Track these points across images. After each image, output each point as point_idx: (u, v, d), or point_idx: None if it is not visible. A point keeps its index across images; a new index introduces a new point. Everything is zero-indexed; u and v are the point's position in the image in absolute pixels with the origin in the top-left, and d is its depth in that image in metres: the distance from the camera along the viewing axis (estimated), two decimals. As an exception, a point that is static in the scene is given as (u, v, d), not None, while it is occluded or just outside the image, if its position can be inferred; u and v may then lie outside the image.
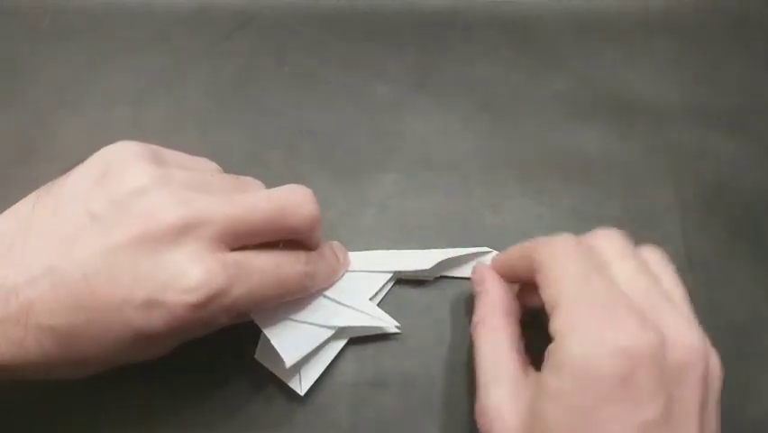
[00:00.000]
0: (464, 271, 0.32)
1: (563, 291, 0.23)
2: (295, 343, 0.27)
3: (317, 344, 0.28)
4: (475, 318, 0.27)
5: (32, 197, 0.24)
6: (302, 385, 0.28)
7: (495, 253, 0.32)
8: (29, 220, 0.23)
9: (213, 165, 0.28)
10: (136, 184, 0.22)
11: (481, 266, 0.29)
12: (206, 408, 0.28)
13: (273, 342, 0.27)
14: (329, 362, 0.29)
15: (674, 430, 0.20)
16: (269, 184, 0.34)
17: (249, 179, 0.28)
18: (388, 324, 0.30)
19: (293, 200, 0.25)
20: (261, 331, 0.29)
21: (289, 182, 0.34)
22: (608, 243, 0.25)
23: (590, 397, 0.20)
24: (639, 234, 0.34)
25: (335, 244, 0.30)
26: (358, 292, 0.30)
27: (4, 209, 0.34)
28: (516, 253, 0.28)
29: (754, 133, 0.38)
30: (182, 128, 0.37)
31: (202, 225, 0.22)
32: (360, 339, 0.30)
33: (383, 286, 0.31)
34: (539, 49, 0.41)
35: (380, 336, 0.30)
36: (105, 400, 0.28)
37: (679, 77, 0.40)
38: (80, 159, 0.35)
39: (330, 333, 0.29)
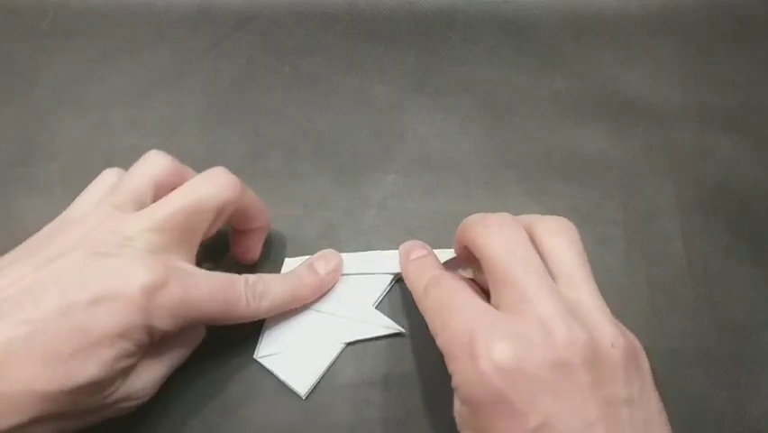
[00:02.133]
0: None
1: (496, 273, 0.24)
2: (305, 371, 0.28)
3: (328, 364, 0.29)
4: (429, 277, 0.26)
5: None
6: (303, 386, 0.28)
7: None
8: None
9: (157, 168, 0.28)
10: (77, 215, 0.25)
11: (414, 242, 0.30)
12: (206, 408, 0.28)
13: (284, 377, 0.28)
14: (330, 362, 0.29)
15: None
16: (269, 184, 0.34)
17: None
18: (393, 329, 0.30)
19: (207, 183, 0.26)
20: (261, 330, 0.29)
21: (289, 182, 0.35)
22: None
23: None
24: (639, 234, 0.34)
25: (326, 253, 0.31)
26: (360, 301, 0.30)
27: (5, 209, 0.34)
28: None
29: (754, 133, 0.38)
30: (182, 128, 0.37)
31: (135, 238, 0.24)
32: (360, 340, 0.30)
33: (384, 288, 0.31)
34: (539, 49, 0.41)
35: (380, 336, 0.30)
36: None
37: (679, 77, 0.40)
38: (80, 159, 0.36)
39: (338, 349, 0.29)
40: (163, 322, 0.23)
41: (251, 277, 0.27)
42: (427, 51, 0.40)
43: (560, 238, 0.25)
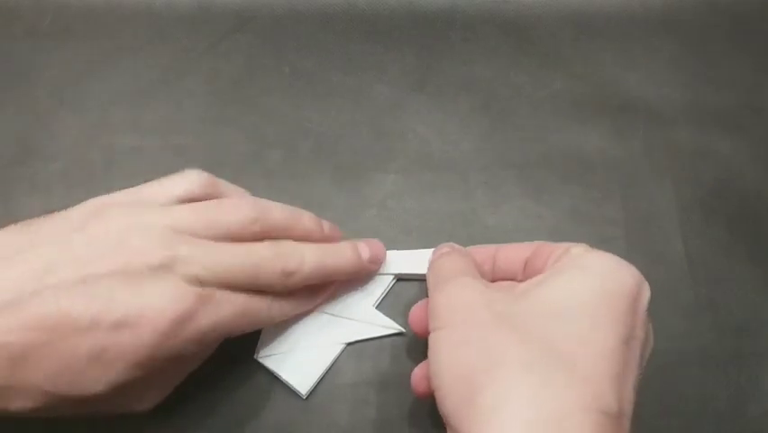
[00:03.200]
0: None
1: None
2: (306, 371, 0.29)
3: (328, 364, 0.29)
4: (439, 249, 0.28)
5: (9, 228, 0.24)
6: (304, 386, 0.28)
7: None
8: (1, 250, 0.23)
9: (194, 182, 0.26)
10: (114, 232, 0.23)
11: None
12: (206, 408, 0.28)
13: (284, 377, 0.28)
14: (330, 362, 0.29)
15: None
16: (269, 184, 0.34)
17: (229, 205, 0.27)
18: (394, 329, 0.30)
19: (267, 258, 0.25)
20: (261, 330, 0.29)
21: (289, 182, 0.35)
22: None
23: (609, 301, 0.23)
24: (639, 233, 0.34)
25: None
26: (361, 302, 0.30)
27: (5, 209, 0.34)
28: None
29: (754, 133, 0.38)
30: (182, 128, 0.37)
31: (175, 265, 0.23)
32: (360, 340, 0.30)
33: (385, 288, 0.31)
34: (539, 49, 0.41)
35: (380, 336, 0.30)
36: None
37: (679, 77, 0.40)
38: (80, 159, 0.36)
39: (339, 349, 0.29)
40: (186, 350, 0.23)
41: (268, 300, 0.26)
42: (427, 51, 0.40)
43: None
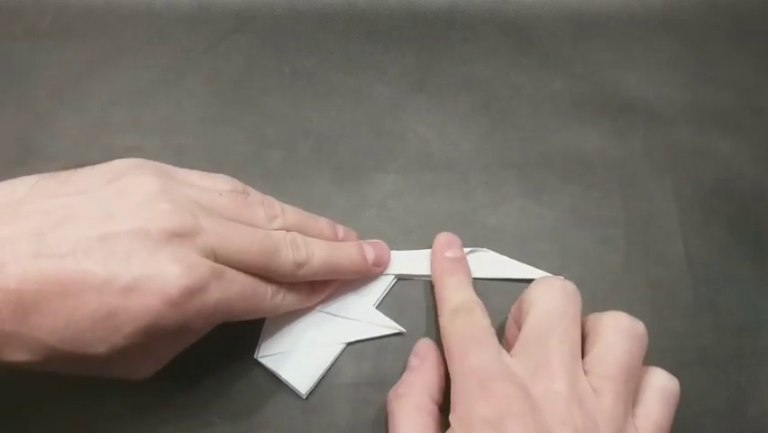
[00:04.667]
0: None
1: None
2: (306, 371, 0.29)
3: (328, 363, 0.29)
4: (401, 389, 0.27)
5: (32, 177, 0.24)
6: (304, 386, 0.28)
7: (491, 252, 0.32)
8: (24, 195, 0.23)
9: (228, 184, 0.28)
10: (145, 192, 0.23)
11: (427, 343, 0.29)
12: (206, 408, 0.28)
13: (284, 376, 0.28)
14: (331, 362, 0.29)
15: None
16: (269, 184, 0.34)
17: (258, 198, 0.28)
18: (393, 329, 0.30)
19: (282, 245, 0.26)
20: (262, 330, 0.29)
21: (289, 182, 0.35)
22: None
23: None
24: (639, 234, 0.34)
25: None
26: (361, 302, 0.30)
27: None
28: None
29: (754, 133, 0.38)
30: (182, 128, 0.37)
31: (196, 235, 0.23)
32: (360, 340, 0.30)
33: (385, 288, 0.31)
34: (539, 49, 0.41)
35: (380, 336, 0.30)
36: (104, 401, 0.28)
37: (679, 77, 0.40)
38: (80, 159, 0.35)
39: (339, 349, 0.29)
40: (190, 322, 0.23)
41: (274, 287, 0.26)
42: (427, 51, 0.40)
43: (618, 336, 0.24)
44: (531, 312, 0.25)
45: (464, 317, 0.26)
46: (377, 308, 0.31)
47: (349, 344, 0.30)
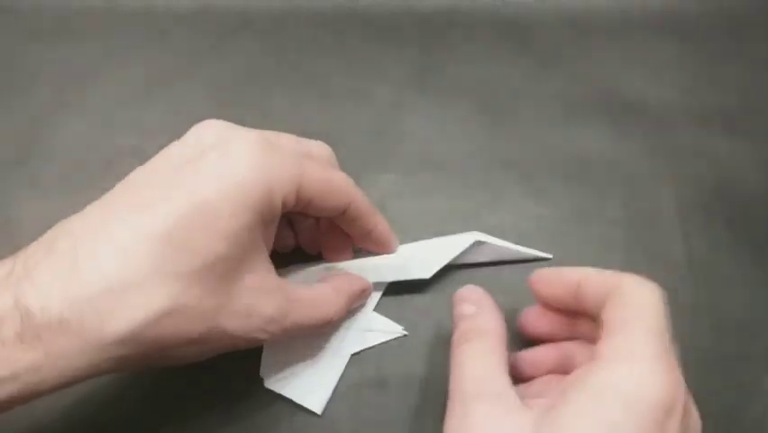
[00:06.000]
0: (458, 256, 0.31)
1: (637, 319, 0.22)
2: (316, 390, 0.28)
3: (337, 377, 0.29)
4: (470, 334, 0.25)
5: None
6: (318, 405, 0.28)
7: (484, 237, 0.31)
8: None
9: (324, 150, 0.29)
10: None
11: (473, 288, 0.27)
12: (205, 407, 0.28)
13: (297, 400, 0.28)
14: (339, 375, 0.29)
15: None
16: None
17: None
18: (397, 333, 0.30)
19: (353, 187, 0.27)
20: (262, 355, 0.28)
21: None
22: None
23: (631, 425, 0.20)
24: (639, 234, 0.34)
25: (351, 277, 0.29)
26: (361, 310, 0.30)
27: (5, 209, 0.34)
28: (581, 273, 0.26)
29: (754, 134, 0.38)
30: (182, 128, 0.36)
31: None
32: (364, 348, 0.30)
33: (382, 290, 0.31)
34: (539, 49, 0.41)
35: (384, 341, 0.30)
36: (105, 403, 0.28)
37: (679, 77, 0.40)
38: (80, 159, 0.35)
39: (345, 360, 0.29)
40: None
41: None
42: (427, 51, 0.40)
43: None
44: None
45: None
46: (376, 309, 0.31)
47: (354, 354, 0.30)
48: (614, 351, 0.22)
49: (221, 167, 0.22)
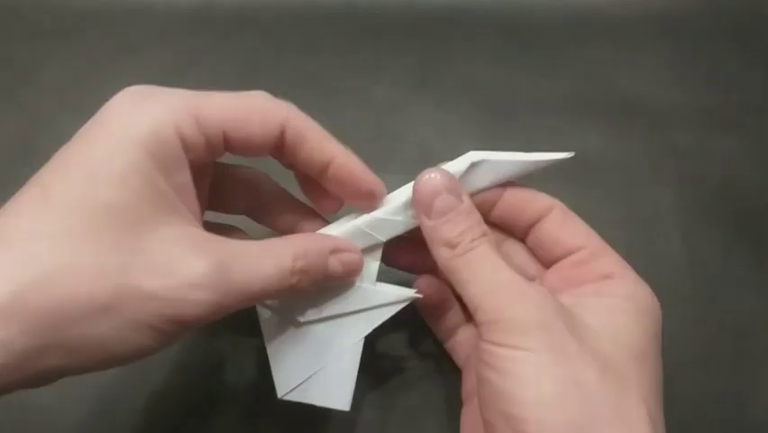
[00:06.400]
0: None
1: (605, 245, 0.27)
2: (339, 387, 0.25)
3: (356, 367, 0.26)
4: (460, 238, 0.23)
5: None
6: (344, 403, 0.26)
7: (482, 154, 0.26)
8: None
9: None
10: None
11: (439, 169, 0.25)
12: (205, 408, 0.28)
13: (322, 404, 0.25)
14: (358, 363, 0.26)
15: None
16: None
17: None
18: (408, 298, 0.25)
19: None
20: (271, 368, 0.26)
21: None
22: None
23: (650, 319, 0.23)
24: (639, 234, 0.34)
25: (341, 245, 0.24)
26: (360, 289, 0.25)
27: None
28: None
29: (754, 133, 0.38)
30: (182, 128, 0.37)
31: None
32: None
33: (378, 259, 0.26)
34: (539, 49, 0.41)
35: (380, 336, 0.30)
36: (106, 405, 0.28)
37: (679, 77, 0.40)
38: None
39: (360, 346, 0.26)
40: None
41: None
42: (428, 51, 0.40)
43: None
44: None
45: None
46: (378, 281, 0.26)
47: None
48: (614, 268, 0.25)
49: (96, 117, 0.21)
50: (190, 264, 0.19)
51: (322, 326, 0.26)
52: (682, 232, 0.34)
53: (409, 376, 0.29)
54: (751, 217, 0.34)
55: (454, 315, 0.28)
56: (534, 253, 0.27)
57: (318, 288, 0.24)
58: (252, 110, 0.23)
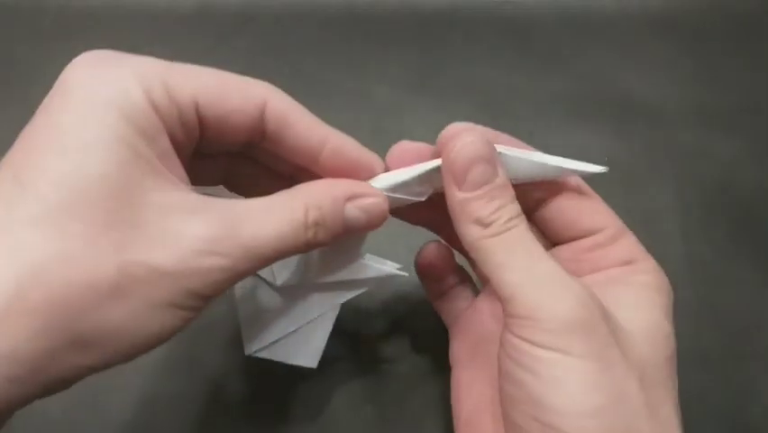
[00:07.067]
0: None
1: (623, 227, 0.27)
2: (309, 347, 0.25)
3: (328, 329, 0.25)
4: (497, 214, 0.20)
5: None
6: (312, 361, 0.25)
7: (501, 148, 0.24)
8: None
9: None
10: None
11: (473, 130, 0.22)
12: (204, 408, 0.28)
13: (288, 361, 0.25)
14: (330, 328, 0.25)
15: None
16: (269, 184, 0.34)
17: None
18: (389, 273, 0.25)
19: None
20: (240, 324, 0.25)
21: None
22: None
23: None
24: (639, 234, 0.34)
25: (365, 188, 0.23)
26: (345, 257, 0.24)
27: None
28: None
29: (754, 133, 0.38)
30: (182, 128, 0.37)
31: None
32: (359, 340, 0.30)
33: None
34: (539, 49, 0.41)
35: (380, 336, 0.30)
36: (107, 405, 0.28)
37: (679, 77, 0.40)
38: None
39: (335, 311, 0.25)
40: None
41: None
42: (428, 52, 0.40)
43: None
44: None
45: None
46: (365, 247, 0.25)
47: (348, 342, 0.28)
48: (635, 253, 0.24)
49: (56, 88, 0.19)
50: (194, 230, 0.17)
51: (298, 291, 0.24)
52: (682, 232, 0.34)
53: (409, 376, 0.29)
54: (751, 217, 0.34)
55: (451, 279, 0.27)
56: (540, 228, 0.25)
57: (337, 242, 0.21)
58: (228, 82, 0.20)
